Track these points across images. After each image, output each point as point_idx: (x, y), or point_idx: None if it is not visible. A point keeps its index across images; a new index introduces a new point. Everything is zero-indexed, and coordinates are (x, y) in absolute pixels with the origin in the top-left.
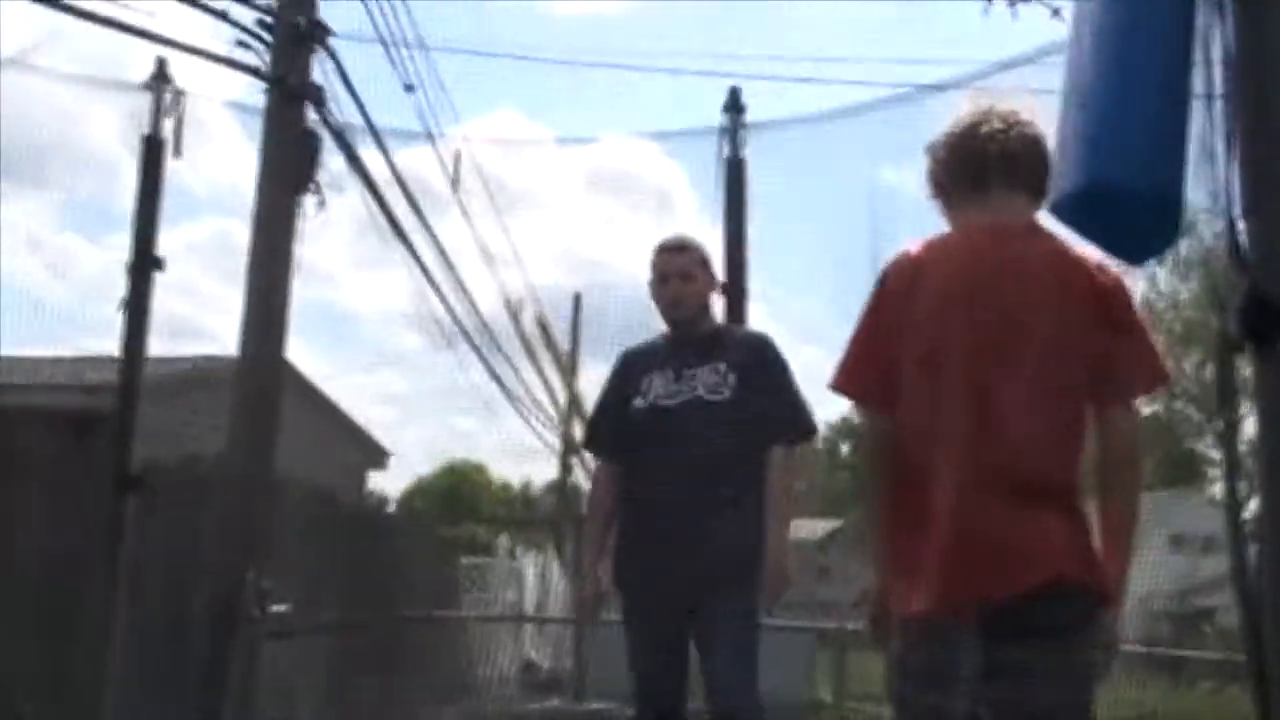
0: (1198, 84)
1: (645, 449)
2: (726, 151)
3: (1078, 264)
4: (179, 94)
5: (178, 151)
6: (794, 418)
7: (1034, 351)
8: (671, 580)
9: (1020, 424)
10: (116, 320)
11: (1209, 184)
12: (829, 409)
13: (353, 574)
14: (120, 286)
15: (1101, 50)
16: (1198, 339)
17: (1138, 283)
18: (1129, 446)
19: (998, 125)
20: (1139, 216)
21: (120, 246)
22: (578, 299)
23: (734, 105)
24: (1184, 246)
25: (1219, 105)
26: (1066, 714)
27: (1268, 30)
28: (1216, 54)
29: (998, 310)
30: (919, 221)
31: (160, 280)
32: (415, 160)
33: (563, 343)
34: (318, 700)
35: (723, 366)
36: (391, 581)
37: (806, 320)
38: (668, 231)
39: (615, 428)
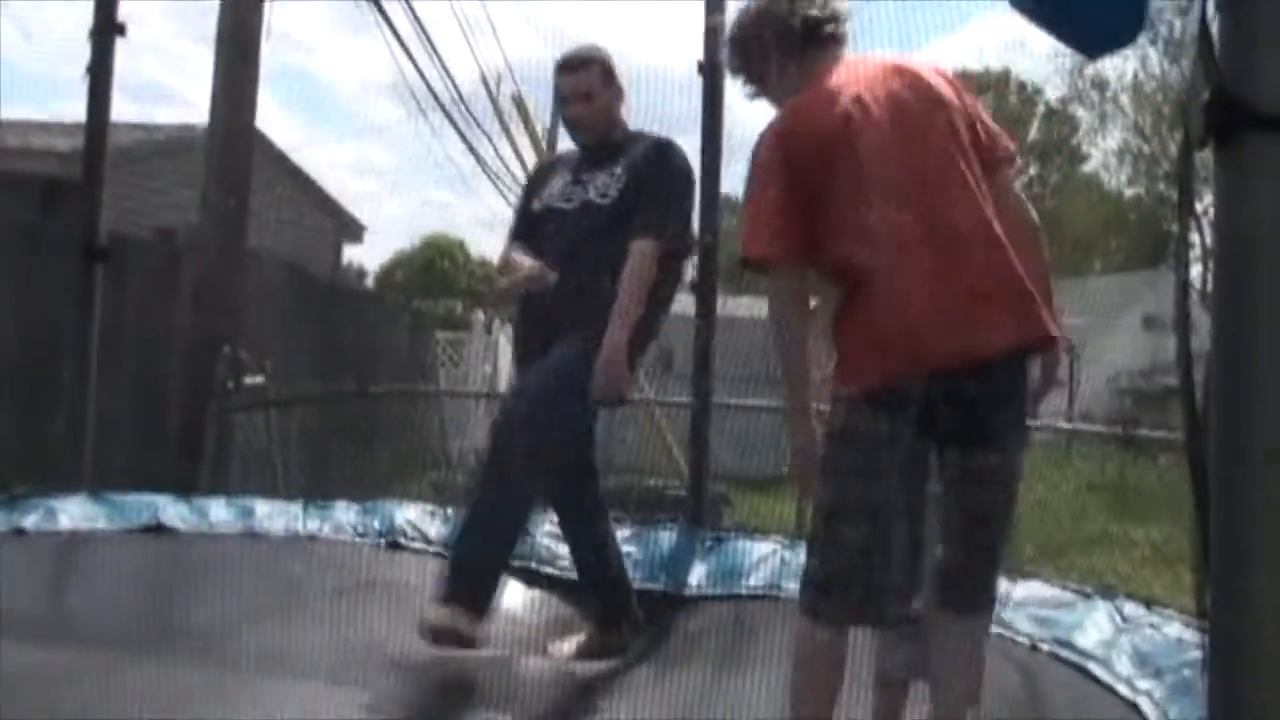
0: None
1: (537, 248)
2: None
3: (938, 70)
4: None
5: None
6: (662, 223)
7: (956, 149)
8: (534, 366)
9: (964, 214)
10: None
11: None
12: None
13: (327, 347)
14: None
15: None
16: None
17: (1127, 63)
18: (1025, 205)
19: None
20: (1100, 7)
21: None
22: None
23: None
24: (1177, 27)
25: None
26: (1011, 471)
27: None
28: None
29: (917, 124)
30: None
31: (134, 43)
32: None
33: (544, 119)
34: (293, 472)
35: (618, 169)
36: (367, 355)
37: None
38: (655, 7)
39: (522, 230)
